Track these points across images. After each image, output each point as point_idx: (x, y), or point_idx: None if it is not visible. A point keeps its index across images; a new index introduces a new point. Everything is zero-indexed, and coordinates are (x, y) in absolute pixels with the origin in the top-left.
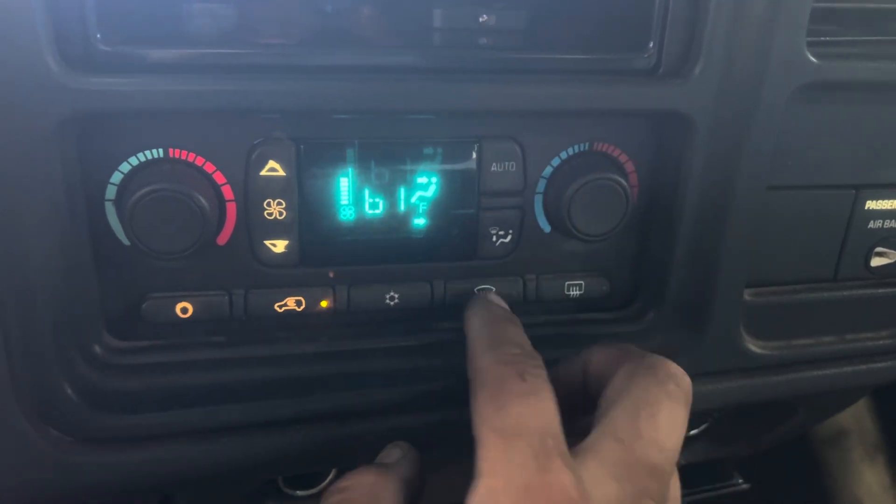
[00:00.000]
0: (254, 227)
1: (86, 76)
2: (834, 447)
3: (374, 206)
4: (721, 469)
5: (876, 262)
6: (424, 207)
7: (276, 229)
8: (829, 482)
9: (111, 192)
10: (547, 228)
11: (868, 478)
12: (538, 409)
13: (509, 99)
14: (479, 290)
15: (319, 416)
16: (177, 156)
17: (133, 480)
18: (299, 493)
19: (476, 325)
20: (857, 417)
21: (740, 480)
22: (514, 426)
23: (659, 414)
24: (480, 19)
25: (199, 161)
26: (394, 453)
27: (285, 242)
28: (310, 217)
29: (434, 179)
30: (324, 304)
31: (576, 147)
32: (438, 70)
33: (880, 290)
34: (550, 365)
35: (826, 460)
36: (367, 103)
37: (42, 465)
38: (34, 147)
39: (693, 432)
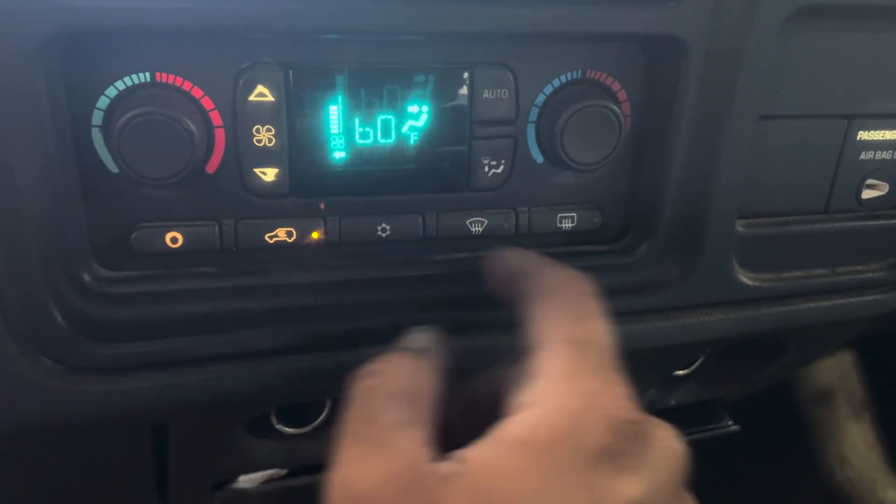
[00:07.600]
0: (243, 154)
1: None
2: (820, 405)
3: (364, 136)
4: (711, 410)
5: (867, 194)
6: (416, 136)
7: (265, 156)
8: (816, 440)
9: (97, 117)
10: (539, 159)
11: (854, 435)
12: (608, 329)
13: (499, 21)
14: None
15: (310, 346)
16: (164, 80)
17: (124, 409)
18: (290, 430)
19: (523, 252)
20: (842, 376)
21: (730, 422)
22: (586, 339)
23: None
24: None
25: (187, 86)
26: (423, 338)
27: (275, 171)
28: (299, 144)
29: (425, 108)
30: (315, 235)
31: (568, 74)
32: None
33: (871, 223)
34: None
35: (812, 418)
36: (354, 23)
37: (34, 393)
38: (18, 68)
39: (684, 372)
